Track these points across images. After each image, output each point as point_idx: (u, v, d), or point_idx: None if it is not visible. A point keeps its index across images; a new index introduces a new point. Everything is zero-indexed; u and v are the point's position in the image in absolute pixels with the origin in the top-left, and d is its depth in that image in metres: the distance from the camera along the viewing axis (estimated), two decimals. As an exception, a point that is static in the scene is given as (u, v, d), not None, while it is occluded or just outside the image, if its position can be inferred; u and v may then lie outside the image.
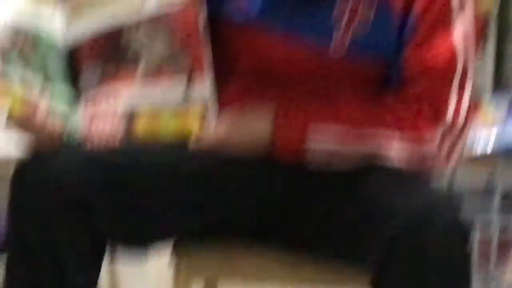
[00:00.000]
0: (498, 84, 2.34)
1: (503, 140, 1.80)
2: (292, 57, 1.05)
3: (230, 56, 1.10)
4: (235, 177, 1.04)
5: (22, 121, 0.94)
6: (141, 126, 0.98)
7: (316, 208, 1.04)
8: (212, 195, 1.05)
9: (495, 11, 2.33)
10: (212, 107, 0.98)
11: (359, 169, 1.01)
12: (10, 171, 1.00)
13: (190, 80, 0.97)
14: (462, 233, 0.92)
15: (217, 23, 1.08)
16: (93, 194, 0.97)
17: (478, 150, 1.89)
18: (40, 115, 0.94)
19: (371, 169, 1.01)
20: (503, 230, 1.96)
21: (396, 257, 0.91)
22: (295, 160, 1.03)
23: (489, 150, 1.88)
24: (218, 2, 1.07)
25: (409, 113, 1.03)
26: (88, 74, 0.99)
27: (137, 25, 0.99)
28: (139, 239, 1.08)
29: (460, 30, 1.04)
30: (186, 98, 0.98)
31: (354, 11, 1.03)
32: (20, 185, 0.98)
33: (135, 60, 0.99)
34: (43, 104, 0.94)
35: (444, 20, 1.04)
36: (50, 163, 0.97)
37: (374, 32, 1.04)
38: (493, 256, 1.98)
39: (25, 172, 0.98)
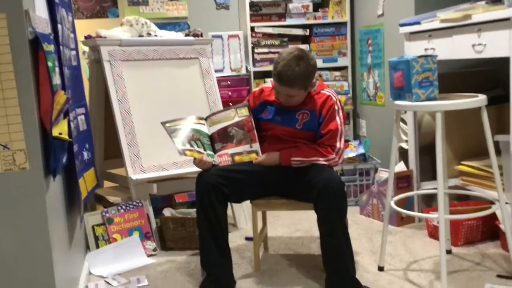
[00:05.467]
0: (356, 135, 4.97)
1: (357, 153, 4.00)
2: (283, 132, 2.94)
3: (263, 134, 2.97)
4: (268, 173, 2.88)
5: (199, 160, 2.85)
6: (237, 159, 2.89)
7: (295, 181, 2.86)
8: (263, 180, 2.87)
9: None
10: (259, 151, 2.90)
11: (309, 166, 2.87)
12: (195, 176, 2.88)
13: (251, 145, 2.89)
14: (342, 185, 2.79)
15: (258, 121, 2.98)
16: (223, 182, 2.79)
17: (347, 156, 4.13)
18: (204, 158, 2.85)
19: (313, 166, 2.86)
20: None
21: (321, 196, 2.73)
22: (287, 166, 2.89)
23: (351, 155, 4.14)
24: (257, 114, 2.97)
25: (324, 150, 2.89)
26: (218, 144, 2.90)
27: (232, 125, 2.91)
28: (239, 199, 2.97)
29: (340, 118, 2.93)
30: (251, 150, 2.90)
31: (303, 115, 2.92)
32: (199, 181, 2.82)
33: (232, 138, 2.90)
34: (205, 155, 2.86)
35: (333, 116, 2.91)
36: (208, 172, 2.82)
37: (310, 121, 2.92)
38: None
39: (201, 176, 2.83)
